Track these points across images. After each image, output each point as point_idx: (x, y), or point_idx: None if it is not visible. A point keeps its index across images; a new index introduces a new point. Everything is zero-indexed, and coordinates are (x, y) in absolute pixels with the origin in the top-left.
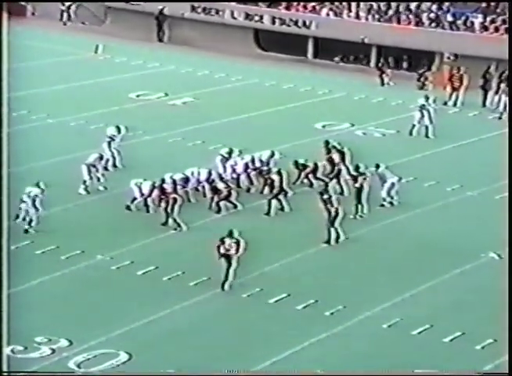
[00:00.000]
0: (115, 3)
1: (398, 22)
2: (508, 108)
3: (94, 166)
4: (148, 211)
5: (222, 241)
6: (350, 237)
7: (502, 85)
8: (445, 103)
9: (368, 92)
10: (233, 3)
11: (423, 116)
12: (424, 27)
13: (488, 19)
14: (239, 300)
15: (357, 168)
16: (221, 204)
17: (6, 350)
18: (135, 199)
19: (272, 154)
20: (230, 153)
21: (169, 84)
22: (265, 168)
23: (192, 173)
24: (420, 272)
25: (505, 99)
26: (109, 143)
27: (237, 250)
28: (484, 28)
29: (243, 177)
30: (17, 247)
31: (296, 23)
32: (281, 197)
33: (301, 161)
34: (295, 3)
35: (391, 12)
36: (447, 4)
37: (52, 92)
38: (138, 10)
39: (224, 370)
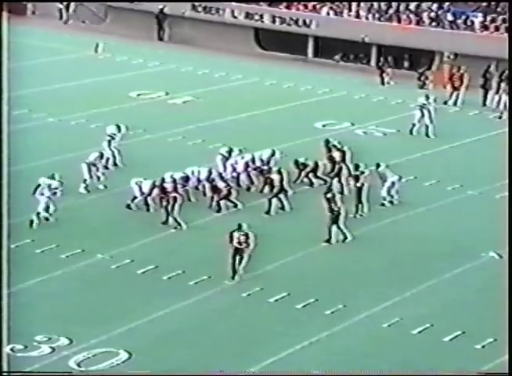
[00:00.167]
0: (116, 2)
1: (399, 21)
2: (508, 107)
3: (94, 165)
4: (148, 210)
5: (231, 235)
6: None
7: (503, 85)
8: (446, 103)
9: (368, 91)
10: (234, 2)
11: (423, 115)
12: (425, 26)
13: (489, 18)
14: (240, 299)
15: (357, 167)
16: (222, 203)
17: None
18: (135, 198)
19: (273, 153)
20: (230, 152)
21: (169, 83)
22: (266, 167)
23: (193, 172)
24: (420, 271)
25: (505, 98)
26: (109, 142)
27: (247, 243)
28: (485, 27)
29: (243, 176)
30: (17, 245)
31: (296, 22)
32: (281, 196)
33: (302, 160)
34: (295, 2)
35: (391, 11)
36: (447, 3)
37: (53, 91)
38: (138, 9)
39: (224, 370)
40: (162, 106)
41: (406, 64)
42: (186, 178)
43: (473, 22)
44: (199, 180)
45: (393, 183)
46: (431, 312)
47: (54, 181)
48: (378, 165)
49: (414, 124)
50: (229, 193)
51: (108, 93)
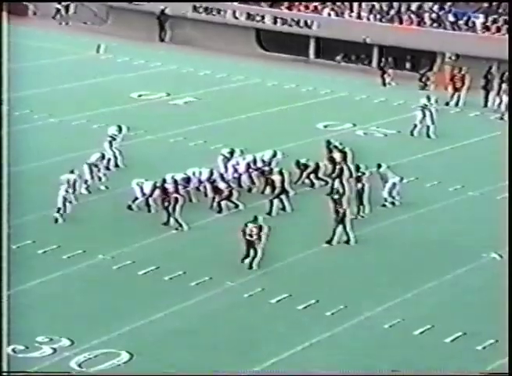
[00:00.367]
0: (117, 3)
1: (400, 22)
2: (508, 108)
3: (96, 165)
4: (149, 211)
5: (246, 226)
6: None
7: (504, 86)
8: (447, 103)
9: (370, 92)
10: (235, 3)
11: (424, 116)
12: (426, 27)
13: (490, 19)
14: (241, 300)
15: (358, 168)
16: (223, 203)
17: (8, 350)
18: (136, 199)
19: (274, 154)
20: (232, 153)
21: (171, 83)
22: (267, 168)
23: (194, 173)
24: (421, 272)
25: (506, 99)
26: (110, 143)
27: (259, 235)
28: (486, 28)
29: (244, 177)
30: (19, 246)
31: (298, 23)
32: (283, 196)
33: (303, 161)
34: (297, 3)
35: (392, 12)
36: (449, 4)
37: (54, 92)
38: (140, 10)
39: (225, 370)
40: (163, 107)
41: (408, 65)
42: (188, 179)
43: (474, 23)
44: (200, 181)
45: (394, 184)
46: (432, 313)
47: (73, 175)
48: (379, 166)
49: (415, 125)
50: (231, 193)
51: (109, 94)
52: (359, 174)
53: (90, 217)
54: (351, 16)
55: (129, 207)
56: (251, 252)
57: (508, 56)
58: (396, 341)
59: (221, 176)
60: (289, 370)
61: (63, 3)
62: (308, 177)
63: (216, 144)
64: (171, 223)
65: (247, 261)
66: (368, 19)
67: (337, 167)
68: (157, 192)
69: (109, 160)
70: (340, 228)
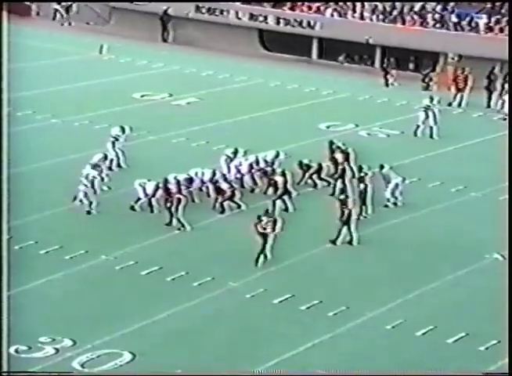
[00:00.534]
0: (119, 3)
1: (403, 22)
2: (508, 109)
3: (98, 166)
4: (152, 212)
5: (260, 220)
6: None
7: (507, 86)
8: (450, 104)
9: (372, 92)
10: (238, 3)
11: (427, 117)
12: (429, 28)
13: (493, 19)
14: (243, 300)
15: (360, 169)
16: (225, 204)
17: (10, 350)
18: (139, 199)
19: (277, 155)
20: (235, 153)
21: (173, 84)
22: (270, 168)
23: (196, 173)
24: (423, 272)
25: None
26: (113, 143)
27: (274, 228)
28: (489, 29)
29: (247, 177)
30: (21, 247)
31: (300, 23)
32: (285, 197)
33: (306, 162)
34: (299, 3)
35: (395, 12)
36: (452, 5)
37: (57, 92)
38: (142, 10)
39: (227, 371)
40: (166, 108)
41: (411, 66)
42: (190, 180)
43: (477, 23)
44: (203, 181)
45: (397, 185)
46: (435, 313)
47: (93, 170)
48: (382, 167)
49: (418, 126)
50: (233, 194)
51: (112, 94)
52: (362, 174)
53: (92, 217)
54: (353, 16)
55: (132, 208)
56: (262, 241)
57: (508, 56)
58: (398, 341)
59: (224, 177)
60: (291, 370)
61: (63, 4)
62: (310, 177)
63: (218, 145)
64: (173, 224)
65: (261, 259)
66: (371, 19)
67: (339, 167)
68: (160, 192)
69: (111, 160)
70: (345, 228)
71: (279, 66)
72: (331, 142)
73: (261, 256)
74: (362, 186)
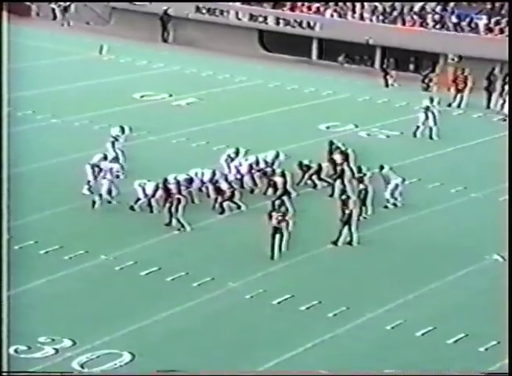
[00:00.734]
0: (119, 3)
1: (403, 23)
2: (508, 110)
3: (98, 166)
4: (152, 212)
5: (270, 215)
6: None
7: (507, 87)
8: (450, 105)
9: (372, 93)
10: (238, 4)
11: (427, 117)
12: (429, 29)
13: (493, 20)
14: (243, 301)
15: (359, 170)
16: (225, 204)
17: (10, 350)
18: (138, 199)
19: (277, 155)
20: (237, 153)
21: (173, 84)
22: (269, 169)
23: (196, 174)
24: (423, 273)
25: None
26: (113, 143)
27: (287, 222)
28: (489, 30)
29: (246, 178)
30: (21, 246)
31: (300, 24)
32: (285, 198)
33: (305, 162)
34: (299, 4)
35: (395, 13)
36: (451, 5)
37: (57, 93)
38: (142, 11)
39: (226, 371)
40: (166, 108)
41: (411, 67)
42: (190, 180)
43: (477, 24)
44: (202, 182)
45: (396, 185)
46: (435, 314)
47: (116, 164)
48: (382, 167)
49: (418, 127)
50: (233, 194)
51: (112, 95)
52: (361, 175)
53: (92, 217)
54: (353, 17)
55: (131, 208)
56: (277, 237)
57: (508, 57)
58: (398, 342)
59: (225, 176)
60: (290, 370)
61: (61, 4)
62: (310, 178)
63: (218, 145)
64: (173, 224)
65: (276, 245)
66: (371, 20)
67: (338, 168)
68: (160, 192)
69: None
70: (345, 229)
71: (279, 66)
72: (331, 143)
73: (278, 242)
74: (361, 186)
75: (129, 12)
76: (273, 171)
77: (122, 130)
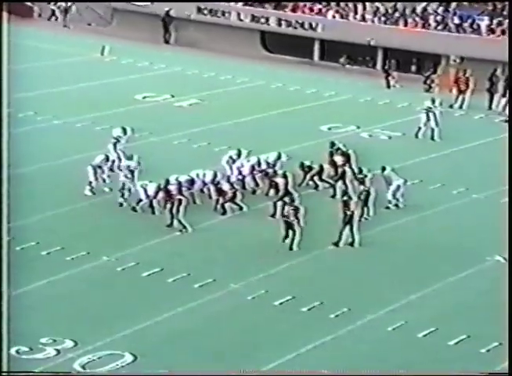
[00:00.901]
0: (121, 3)
1: (405, 24)
2: (508, 111)
3: (100, 167)
4: (153, 213)
5: (283, 208)
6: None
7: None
8: (451, 106)
9: (374, 94)
10: (240, 5)
11: (429, 118)
12: (431, 30)
13: (495, 21)
14: (244, 302)
15: (360, 171)
16: (227, 205)
17: (11, 351)
18: (140, 200)
19: (279, 156)
20: (239, 154)
21: (175, 85)
22: (271, 170)
23: (198, 175)
24: (425, 274)
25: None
26: (114, 145)
27: (297, 217)
28: (491, 31)
29: (248, 179)
30: (22, 247)
31: (302, 25)
32: (286, 199)
33: (307, 163)
34: (301, 5)
35: (397, 14)
36: (453, 6)
37: (58, 94)
38: (144, 12)
39: (227, 371)
40: (168, 109)
41: (413, 68)
42: (191, 181)
43: (479, 25)
44: (204, 183)
45: (398, 186)
46: (436, 315)
47: (132, 162)
48: (383, 168)
49: (420, 128)
50: (234, 195)
51: (114, 96)
52: (362, 176)
53: (94, 218)
54: (355, 18)
55: (133, 209)
56: (290, 233)
57: (508, 57)
58: (400, 343)
59: (227, 177)
60: (292, 371)
61: (61, 5)
62: (311, 179)
63: (220, 146)
64: (174, 225)
65: (288, 241)
66: (372, 21)
67: (339, 170)
68: (161, 194)
69: (113, 162)
70: (347, 230)
71: (281, 67)
72: (332, 143)
73: (290, 240)
74: (362, 187)
75: (131, 13)
76: (275, 172)
77: (124, 131)
